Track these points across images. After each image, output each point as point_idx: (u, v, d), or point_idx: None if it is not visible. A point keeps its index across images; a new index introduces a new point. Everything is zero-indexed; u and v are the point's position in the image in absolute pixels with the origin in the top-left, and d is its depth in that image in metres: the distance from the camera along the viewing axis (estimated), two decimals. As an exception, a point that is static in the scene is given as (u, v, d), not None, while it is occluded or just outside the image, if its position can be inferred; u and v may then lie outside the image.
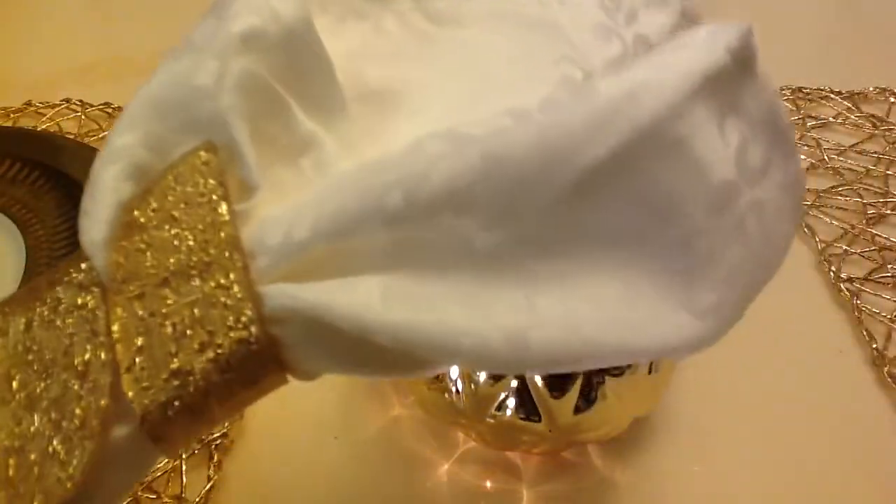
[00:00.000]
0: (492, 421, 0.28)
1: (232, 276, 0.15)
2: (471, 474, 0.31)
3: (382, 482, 0.31)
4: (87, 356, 0.15)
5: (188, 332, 0.15)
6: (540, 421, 0.28)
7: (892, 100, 0.51)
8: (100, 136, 0.47)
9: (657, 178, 0.15)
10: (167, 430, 0.15)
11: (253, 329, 0.14)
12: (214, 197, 0.15)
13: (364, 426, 0.33)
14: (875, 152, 0.47)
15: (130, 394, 0.14)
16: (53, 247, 0.36)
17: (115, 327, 0.15)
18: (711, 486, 0.31)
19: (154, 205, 0.16)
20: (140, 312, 0.15)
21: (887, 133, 0.48)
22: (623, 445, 0.32)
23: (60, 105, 0.50)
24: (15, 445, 0.15)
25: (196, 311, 0.15)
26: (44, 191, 0.38)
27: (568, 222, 0.15)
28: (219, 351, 0.14)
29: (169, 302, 0.15)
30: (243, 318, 0.14)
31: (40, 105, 0.50)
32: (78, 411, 0.15)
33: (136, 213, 0.16)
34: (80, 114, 0.49)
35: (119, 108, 0.50)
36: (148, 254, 0.15)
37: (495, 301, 0.15)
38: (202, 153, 0.16)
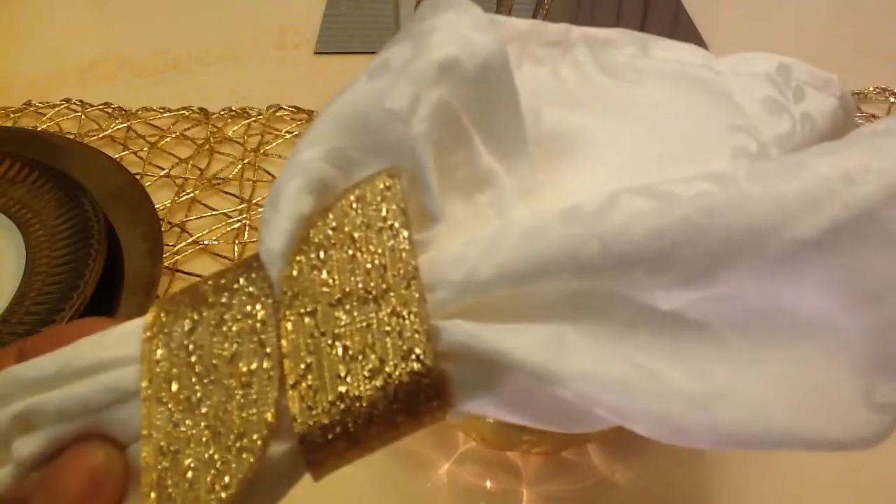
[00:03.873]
0: (492, 421, 0.28)
1: (409, 306, 0.15)
2: (471, 474, 0.31)
3: (382, 482, 0.31)
4: (253, 366, 0.15)
5: (360, 356, 0.14)
6: (540, 421, 0.28)
7: (892, 100, 0.51)
8: (100, 136, 0.47)
9: (863, 263, 0.14)
10: (324, 453, 0.14)
11: (427, 362, 0.14)
12: (396, 224, 0.15)
13: (364, 426, 0.33)
14: (875, 152, 0.47)
15: (295, 412, 0.14)
16: (53, 247, 0.36)
17: (284, 342, 0.15)
18: (711, 486, 0.31)
19: (333, 223, 0.15)
20: (311, 330, 0.15)
21: (887, 133, 0.48)
22: (623, 445, 0.32)
23: (60, 105, 0.50)
24: (170, 447, 0.14)
25: (369, 336, 0.15)
26: (44, 191, 0.38)
27: (764, 295, 0.15)
28: (389, 380, 0.14)
29: (342, 323, 0.15)
30: (417, 351, 0.14)
31: (40, 105, 0.50)
32: (238, 421, 0.14)
33: (314, 229, 0.15)
34: (80, 114, 0.49)
35: (119, 108, 0.50)
36: (323, 272, 0.15)
37: (675, 365, 0.14)
38: (386, 177, 0.16)
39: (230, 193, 0.44)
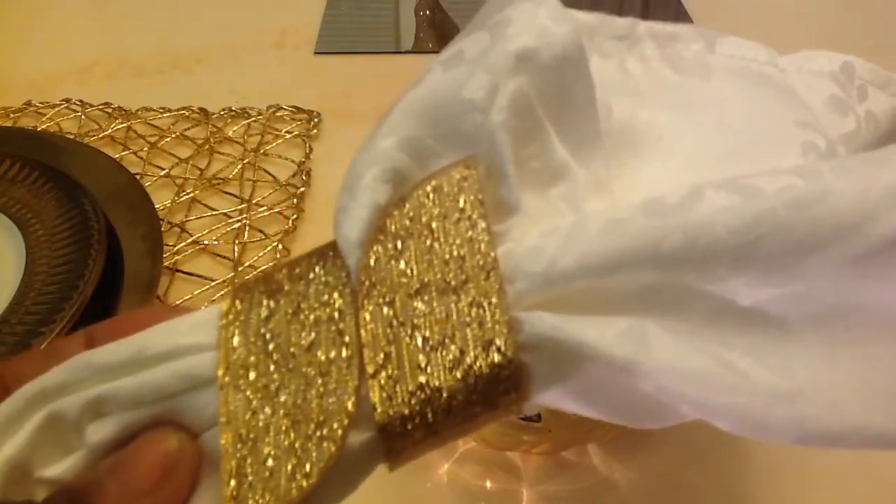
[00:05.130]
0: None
1: (489, 297, 0.15)
2: (471, 474, 0.31)
3: (382, 482, 0.31)
4: (331, 355, 0.15)
5: (439, 347, 0.14)
6: (540, 421, 0.28)
7: (892, 100, 0.51)
8: (100, 136, 0.47)
9: None
10: (401, 443, 0.14)
11: (508, 354, 0.14)
12: (474, 215, 0.15)
13: (364, 426, 0.33)
14: (875, 152, 0.47)
15: (375, 401, 0.14)
16: (53, 247, 0.36)
17: (363, 331, 0.15)
18: (711, 486, 0.31)
19: (410, 213, 0.15)
20: (390, 320, 0.15)
21: (887, 133, 0.48)
22: (623, 445, 0.32)
23: (60, 105, 0.50)
24: (248, 435, 0.14)
25: (449, 327, 0.14)
26: (44, 191, 0.38)
27: (847, 292, 0.15)
28: (469, 371, 0.14)
29: (421, 313, 0.15)
30: (498, 342, 0.14)
31: (40, 105, 0.50)
32: (317, 409, 0.14)
33: (390, 219, 0.15)
34: (80, 114, 0.49)
35: (119, 108, 0.50)
36: (401, 262, 0.15)
37: (756, 361, 0.14)
38: (463, 168, 0.16)
39: (230, 193, 0.44)
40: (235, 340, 0.15)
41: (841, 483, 0.31)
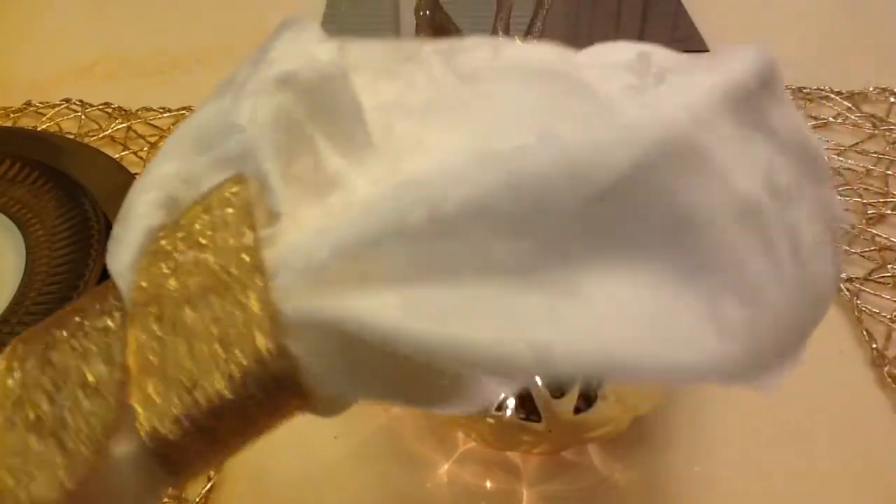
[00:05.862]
0: (492, 421, 0.28)
1: (251, 294, 0.15)
2: (471, 474, 0.31)
3: (382, 482, 0.31)
4: (100, 375, 0.15)
5: (205, 350, 0.14)
6: (540, 421, 0.28)
7: (892, 100, 0.51)
8: (100, 135, 0.47)
9: (680, 188, 0.15)
10: (176, 451, 0.14)
11: (270, 347, 0.14)
12: (242, 226, 0.16)
13: (364, 426, 0.33)
14: (875, 152, 0.47)
15: (140, 411, 0.14)
16: (53, 247, 0.36)
17: (130, 346, 0.15)
18: (711, 486, 0.31)
19: (181, 233, 0.16)
20: (157, 332, 0.15)
21: (887, 133, 0.48)
22: (623, 445, 0.32)
23: (60, 105, 0.50)
24: (14, 463, 0.14)
25: (214, 330, 0.15)
26: (44, 191, 0.38)
27: (591, 234, 0.15)
28: (234, 369, 0.14)
29: (187, 321, 0.15)
30: (260, 337, 0.14)
31: (40, 105, 0.50)
32: (83, 426, 0.14)
33: (163, 241, 0.16)
34: (80, 114, 0.49)
35: (119, 108, 0.50)
36: (172, 279, 0.15)
37: (518, 312, 0.15)
38: (232, 184, 0.16)
39: (230, 193, 0.44)
40: (12, 380, 0.15)
41: (844, 483, 0.31)
